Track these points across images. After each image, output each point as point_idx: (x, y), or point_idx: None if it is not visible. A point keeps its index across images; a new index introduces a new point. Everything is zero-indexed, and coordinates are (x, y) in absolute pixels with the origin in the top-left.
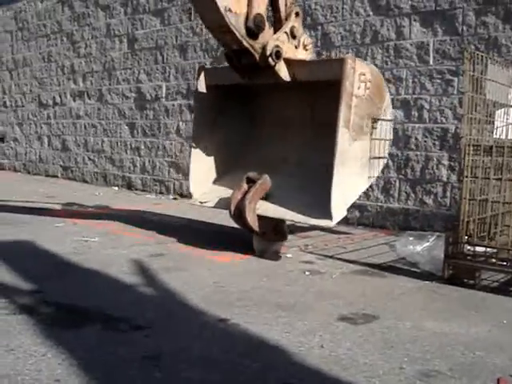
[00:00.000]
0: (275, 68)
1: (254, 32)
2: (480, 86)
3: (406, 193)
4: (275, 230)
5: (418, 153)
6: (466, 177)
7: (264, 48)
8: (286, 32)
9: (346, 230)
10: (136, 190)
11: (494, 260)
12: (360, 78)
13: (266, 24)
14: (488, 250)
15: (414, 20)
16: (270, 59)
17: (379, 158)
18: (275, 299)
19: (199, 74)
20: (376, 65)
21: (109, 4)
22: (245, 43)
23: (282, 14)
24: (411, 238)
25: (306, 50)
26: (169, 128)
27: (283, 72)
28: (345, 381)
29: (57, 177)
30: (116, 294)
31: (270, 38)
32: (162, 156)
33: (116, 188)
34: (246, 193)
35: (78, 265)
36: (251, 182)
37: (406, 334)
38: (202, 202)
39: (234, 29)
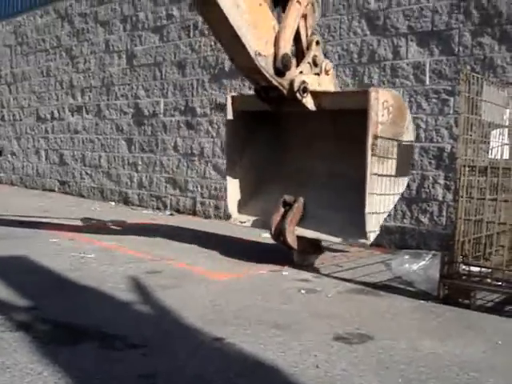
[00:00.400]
0: (302, 101)
1: (281, 71)
2: (475, 106)
3: (401, 211)
4: (312, 246)
5: (414, 171)
6: (462, 197)
7: (291, 84)
8: (309, 62)
9: (342, 247)
10: (133, 205)
11: (488, 280)
12: (383, 105)
13: (292, 61)
14: (483, 269)
15: (411, 40)
16: (297, 94)
17: (404, 175)
18: (271, 318)
19: (227, 102)
20: (372, 84)
21: (108, 20)
22: (274, 82)
23: (304, 45)
24: (407, 257)
25: (328, 74)
26: (166, 144)
27: (310, 103)
28: None
29: (54, 191)
30: (112, 311)
31: (296, 74)
32: (160, 172)
33: (113, 203)
34: (283, 215)
35: (74, 281)
36: (287, 204)
37: (401, 354)
38: (241, 222)
39: (264, 70)
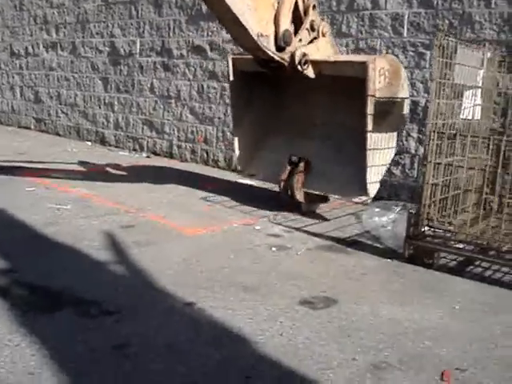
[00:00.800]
0: (303, 72)
1: (282, 47)
2: (449, 69)
3: None
4: (318, 197)
5: None
6: (430, 162)
7: (292, 57)
8: (307, 28)
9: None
10: (109, 145)
11: (452, 241)
12: (380, 72)
13: (292, 35)
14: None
15: None
16: (298, 67)
17: (399, 129)
18: (241, 280)
19: (228, 63)
20: (351, 34)
21: None
22: (276, 58)
23: (301, 10)
24: (377, 210)
25: (325, 36)
26: (143, 85)
27: (310, 72)
28: (300, 373)
29: (30, 128)
30: (88, 273)
31: (296, 46)
32: (136, 113)
33: (89, 143)
34: (290, 172)
35: (50, 238)
36: (293, 163)
37: (362, 320)
38: (251, 175)
39: (266, 49)
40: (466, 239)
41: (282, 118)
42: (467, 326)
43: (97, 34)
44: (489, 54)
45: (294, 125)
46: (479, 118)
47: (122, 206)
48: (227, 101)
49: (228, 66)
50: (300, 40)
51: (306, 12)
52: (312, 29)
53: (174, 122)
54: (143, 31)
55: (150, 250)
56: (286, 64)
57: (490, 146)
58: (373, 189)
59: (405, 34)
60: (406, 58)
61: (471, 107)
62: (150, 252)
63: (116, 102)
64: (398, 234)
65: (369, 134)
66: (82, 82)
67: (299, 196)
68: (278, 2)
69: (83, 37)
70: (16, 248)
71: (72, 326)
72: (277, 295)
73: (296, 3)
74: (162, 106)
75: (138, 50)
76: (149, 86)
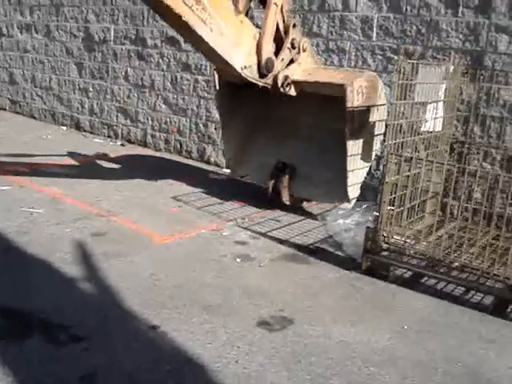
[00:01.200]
0: (286, 93)
1: (265, 74)
2: (409, 90)
3: None
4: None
5: None
6: (387, 183)
7: (275, 80)
8: (288, 47)
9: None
10: (84, 131)
11: (406, 255)
12: (358, 91)
13: (275, 61)
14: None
15: None
16: (281, 89)
17: (378, 134)
18: (204, 297)
19: (214, 76)
20: (321, 34)
21: None
22: (259, 84)
23: (282, 31)
24: (342, 212)
25: (305, 51)
26: (117, 72)
27: (292, 91)
28: None
29: (5, 109)
30: (57, 291)
31: (278, 70)
32: (111, 100)
33: (64, 128)
34: (277, 177)
35: (22, 250)
36: (280, 169)
37: (314, 343)
38: (241, 176)
39: (250, 78)
40: (418, 253)
41: (268, 120)
42: (412, 349)
43: (71, 18)
44: (452, 67)
45: (280, 128)
46: (440, 129)
47: (94, 209)
48: (200, 93)
49: (213, 78)
50: (282, 59)
51: (286, 31)
52: (293, 46)
53: (148, 112)
54: (117, 19)
55: (119, 263)
56: (268, 87)
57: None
58: (353, 195)
59: (374, 38)
60: (374, 61)
61: (433, 120)
62: (118, 266)
63: (91, 88)
64: (358, 242)
65: (348, 143)
66: (56, 66)
67: (285, 198)
68: (260, 33)
69: (57, 20)
70: None
71: (43, 355)
72: (237, 316)
73: (277, 25)
74: (136, 95)
75: (112, 38)
76: (123, 73)
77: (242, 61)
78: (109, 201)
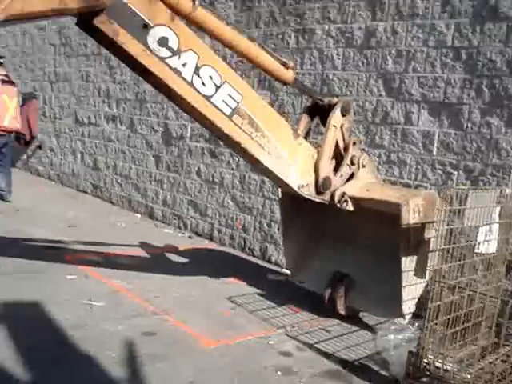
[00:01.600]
0: (342, 208)
1: (322, 192)
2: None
3: None
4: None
5: None
6: (430, 308)
7: (332, 197)
8: (347, 164)
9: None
10: (157, 220)
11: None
12: (414, 210)
13: (332, 179)
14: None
15: (423, 108)
16: (338, 205)
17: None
18: None
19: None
20: (383, 146)
21: None
22: (317, 200)
23: (341, 148)
24: (394, 327)
25: (365, 166)
26: (190, 167)
27: (349, 207)
28: None
29: (87, 192)
30: None
31: (336, 186)
32: (183, 193)
33: (139, 216)
34: (334, 286)
35: (75, 345)
36: (337, 279)
37: None
38: (300, 282)
39: (307, 196)
40: (469, 379)
41: (328, 229)
42: None
43: (153, 113)
44: (508, 190)
45: (339, 236)
46: (494, 250)
47: (149, 305)
48: (266, 193)
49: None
50: (341, 175)
51: (346, 148)
52: (352, 163)
53: (217, 207)
54: None
55: (162, 366)
56: (325, 202)
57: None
58: (408, 310)
59: (434, 152)
60: (434, 175)
61: (486, 242)
62: (161, 370)
63: (166, 180)
64: (404, 362)
65: (402, 258)
66: (136, 157)
67: (341, 309)
68: (318, 152)
69: (140, 114)
70: (40, 355)
71: None
72: None
73: (336, 143)
74: (206, 190)
75: (188, 135)
76: (196, 169)
77: (299, 180)
78: (166, 298)
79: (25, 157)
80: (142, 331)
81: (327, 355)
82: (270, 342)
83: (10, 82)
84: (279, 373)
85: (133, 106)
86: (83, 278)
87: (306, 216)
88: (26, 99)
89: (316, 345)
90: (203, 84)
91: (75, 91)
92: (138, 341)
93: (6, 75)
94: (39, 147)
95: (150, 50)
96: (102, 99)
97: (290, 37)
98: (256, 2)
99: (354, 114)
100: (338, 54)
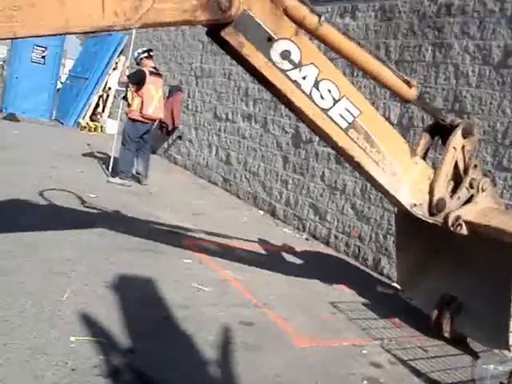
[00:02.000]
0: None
1: (436, 213)
2: None
3: None
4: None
5: None
6: None
7: (446, 219)
8: (466, 187)
9: None
10: (278, 218)
11: None
12: None
13: (447, 202)
14: None
15: None
16: (451, 228)
17: None
18: None
19: None
20: (511, 169)
21: None
22: (430, 221)
23: (461, 169)
24: (496, 358)
25: (484, 190)
26: (315, 171)
27: (463, 231)
28: None
29: (216, 185)
30: (190, 372)
31: (451, 208)
32: (305, 195)
33: (261, 212)
34: (441, 308)
35: (177, 324)
36: (446, 301)
37: None
38: (409, 298)
39: (419, 216)
40: None
41: (442, 248)
42: None
43: (286, 115)
44: None
45: (452, 257)
46: None
47: (253, 298)
48: (385, 205)
49: None
50: (458, 198)
51: (466, 170)
52: (471, 186)
53: (336, 213)
54: None
55: (252, 357)
56: (439, 224)
57: None
58: None
59: None
60: None
61: None
62: (250, 359)
63: (290, 181)
64: None
65: None
66: (266, 156)
67: (445, 332)
68: (435, 173)
69: (274, 115)
70: (145, 328)
71: None
72: None
73: (456, 164)
74: (327, 195)
75: (317, 139)
76: (320, 173)
77: (412, 199)
78: (271, 293)
79: (165, 145)
80: (241, 320)
81: (419, 373)
82: (364, 352)
83: (158, 74)
84: (365, 382)
85: (268, 107)
86: (197, 263)
87: (422, 232)
88: (173, 91)
89: (410, 361)
90: (321, 97)
91: (217, 88)
92: (234, 328)
93: (154, 67)
94: (179, 137)
95: (273, 63)
96: (240, 97)
97: (426, 50)
98: (396, 13)
99: (484, 133)
100: (473, 71)
